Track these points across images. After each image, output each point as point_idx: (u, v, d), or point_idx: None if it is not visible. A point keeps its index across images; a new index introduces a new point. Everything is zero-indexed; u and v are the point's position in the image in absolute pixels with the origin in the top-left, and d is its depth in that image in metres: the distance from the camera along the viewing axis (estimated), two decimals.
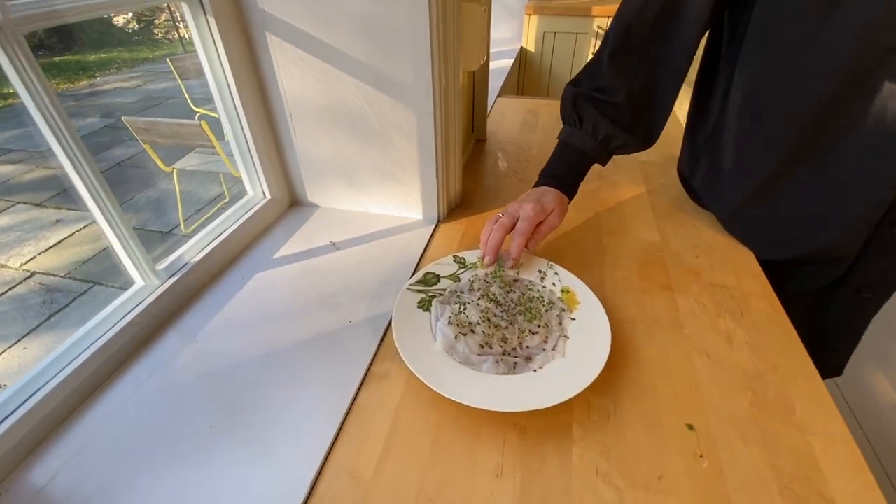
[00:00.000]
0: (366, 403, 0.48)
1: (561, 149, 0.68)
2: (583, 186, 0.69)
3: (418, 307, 0.56)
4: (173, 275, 0.60)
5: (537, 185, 0.66)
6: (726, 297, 0.61)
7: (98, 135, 4.10)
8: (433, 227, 0.75)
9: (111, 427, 0.46)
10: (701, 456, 0.43)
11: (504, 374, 0.48)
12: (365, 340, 0.55)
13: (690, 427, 0.45)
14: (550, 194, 0.61)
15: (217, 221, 0.69)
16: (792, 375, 0.50)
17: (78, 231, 2.73)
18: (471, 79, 0.95)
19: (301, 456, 0.43)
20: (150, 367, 0.52)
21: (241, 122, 0.69)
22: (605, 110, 0.64)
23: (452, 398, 0.45)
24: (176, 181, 2.67)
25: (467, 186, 0.86)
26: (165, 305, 0.58)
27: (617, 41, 0.63)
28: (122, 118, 2.24)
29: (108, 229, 0.53)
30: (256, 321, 0.58)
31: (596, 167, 0.69)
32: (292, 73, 0.67)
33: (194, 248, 0.64)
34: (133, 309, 0.55)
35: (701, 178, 0.75)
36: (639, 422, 0.46)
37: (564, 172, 0.66)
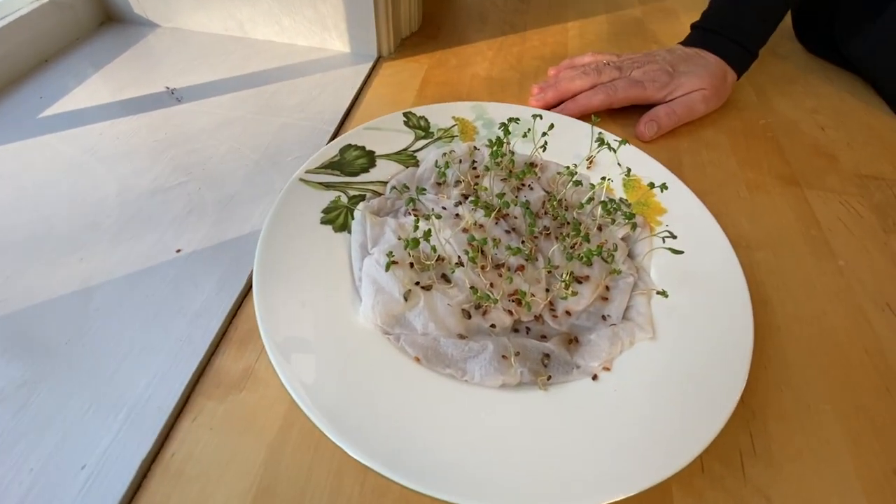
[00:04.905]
0: (187, 459, 0.20)
1: None
2: (621, 13, 0.38)
3: (323, 222, 0.25)
4: None
5: (695, 42, 0.41)
6: (889, 199, 0.35)
7: None
8: (370, 66, 0.42)
9: None
10: None
11: (522, 384, 0.20)
12: (203, 297, 0.25)
13: None
14: (705, 60, 0.38)
15: None
16: None
17: None
18: None
19: None
20: None
21: None
22: None
23: (392, 476, 0.17)
24: None
25: (430, 4, 0.51)
26: None
27: None
28: None
29: None
30: None
31: None
32: None
33: None
34: None
35: (847, 9, 0.44)
36: (803, 471, 0.21)
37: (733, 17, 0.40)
